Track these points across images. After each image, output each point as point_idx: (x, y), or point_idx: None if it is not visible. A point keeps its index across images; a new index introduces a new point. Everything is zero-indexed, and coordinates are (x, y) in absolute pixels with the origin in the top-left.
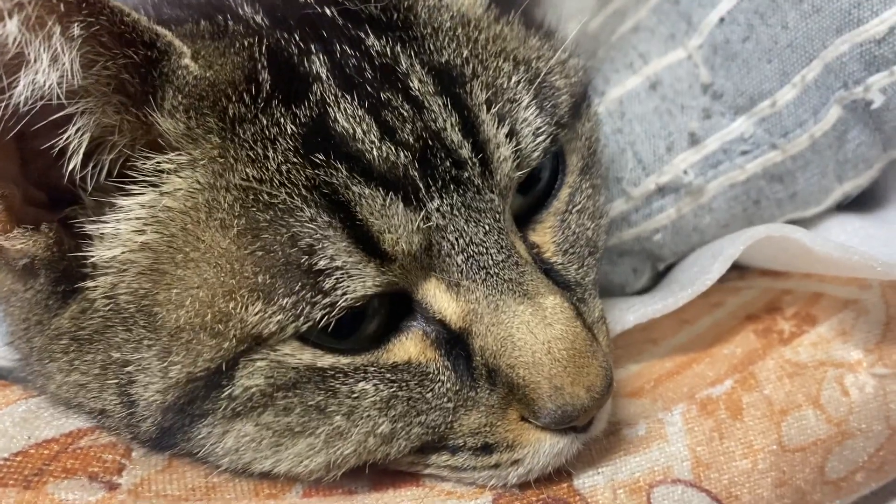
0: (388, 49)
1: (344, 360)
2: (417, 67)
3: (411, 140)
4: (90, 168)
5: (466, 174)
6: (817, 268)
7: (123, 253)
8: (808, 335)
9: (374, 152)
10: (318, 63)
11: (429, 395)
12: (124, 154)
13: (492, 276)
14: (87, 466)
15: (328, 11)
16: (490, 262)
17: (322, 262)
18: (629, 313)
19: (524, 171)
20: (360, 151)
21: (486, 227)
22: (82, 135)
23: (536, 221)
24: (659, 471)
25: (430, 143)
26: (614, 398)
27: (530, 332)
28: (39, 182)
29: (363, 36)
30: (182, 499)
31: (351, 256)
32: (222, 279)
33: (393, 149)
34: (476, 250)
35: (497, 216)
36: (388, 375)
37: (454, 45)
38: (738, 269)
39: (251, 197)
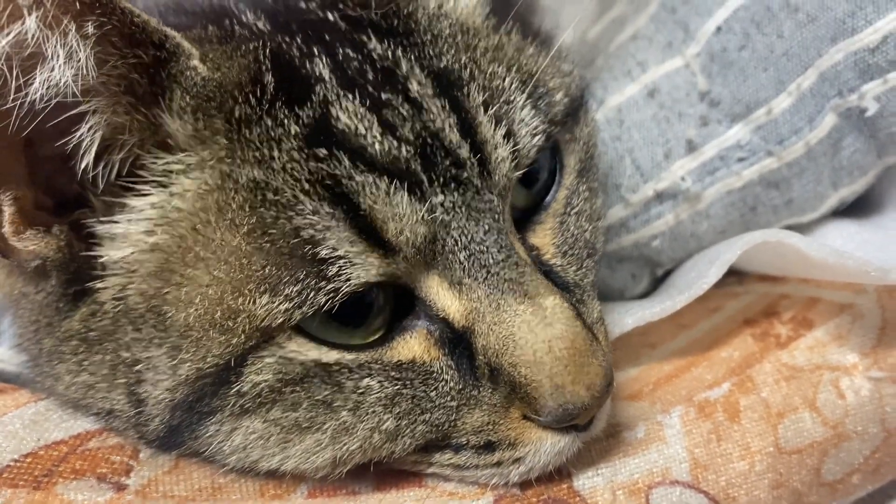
0: (389, 52)
1: (349, 356)
2: (417, 71)
3: (411, 137)
4: (101, 167)
5: (466, 174)
6: (813, 273)
7: (133, 253)
8: (804, 339)
9: (377, 146)
10: (320, 65)
11: (433, 393)
12: (134, 153)
13: (493, 276)
14: (96, 467)
15: (330, 16)
16: (491, 260)
17: (325, 252)
18: (627, 316)
19: (521, 170)
20: (363, 146)
21: (487, 227)
22: (94, 133)
23: (536, 223)
24: (657, 472)
25: (430, 142)
26: (614, 401)
27: (531, 331)
28: (47, 188)
29: (365, 40)
30: (189, 499)
31: (353, 246)
32: (232, 276)
33: (395, 143)
34: (477, 249)
35: (496, 216)
36: (393, 373)
37: (453, 50)
38: (737, 274)
39: (259, 197)
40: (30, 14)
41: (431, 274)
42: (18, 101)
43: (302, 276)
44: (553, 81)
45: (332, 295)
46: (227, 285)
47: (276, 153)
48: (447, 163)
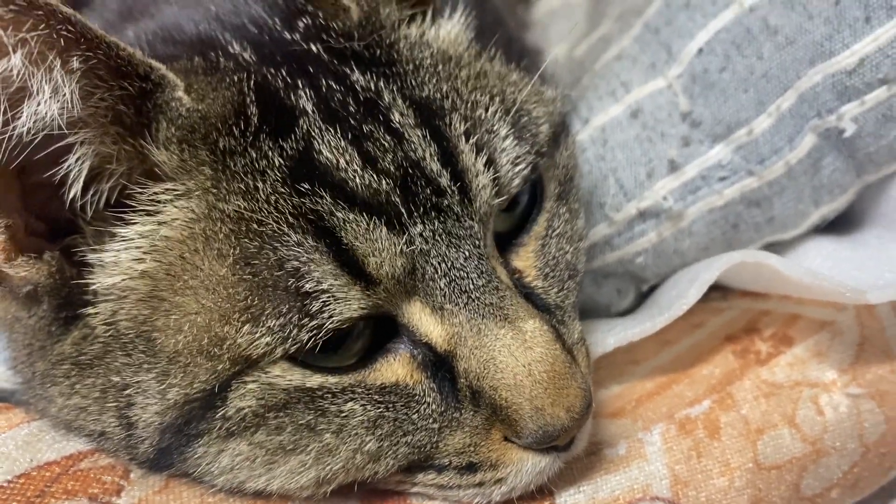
0: (371, 84)
1: (332, 380)
2: (399, 101)
3: (392, 168)
4: (90, 196)
5: (446, 202)
6: (792, 291)
7: (123, 280)
8: (784, 356)
9: (357, 180)
10: (304, 97)
11: (415, 416)
12: (122, 183)
13: (473, 301)
14: (88, 488)
15: (314, 48)
16: (471, 286)
17: (308, 285)
18: (610, 336)
19: (504, 198)
20: (344, 180)
21: (467, 253)
22: (82, 163)
23: (518, 245)
24: (638, 489)
25: (411, 171)
26: (596, 418)
27: (511, 354)
28: (40, 214)
29: (348, 71)
30: None
31: (337, 279)
32: (219, 304)
33: (375, 177)
34: (458, 275)
35: (477, 242)
36: (376, 396)
37: (435, 80)
38: (721, 290)
39: (244, 227)
40: (15, 52)
41: (413, 300)
42: (7, 135)
43: (285, 311)
44: (537, 110)
45: (315, 332)
46: (215, 313)
47: (260, 185)
48: (428, 191)
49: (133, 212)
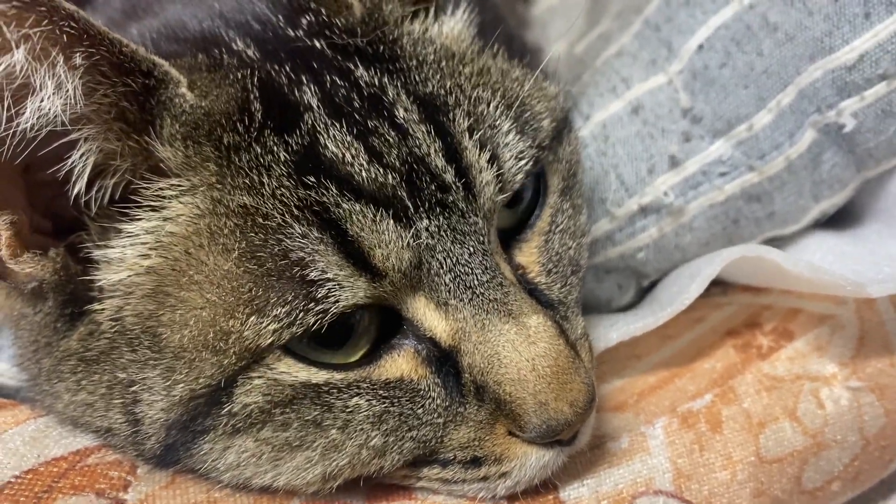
0: (375, 79)
1: (338, 376)
2: (403, 97)
3: (398, 164)
4: (94, 192)
5: (451, 198)
6: (793, 285)
7: (129, 276)
8: (785, 350)
9: (363, 174)
10: (308, 93)
11: (420, 410)
12: (127, 178)
13: (478, 296)
14: (95, 483)
15: (318, 44)
16: (476, 282)
17: (314, 274)
18: (612, 331)
19: (507, 194)
20: (350, 174)
21: (471, 249)
22: (86, 159)
23: (522, 241)
24: (641, 482)
25: (416, 167)
26: (599, 412)
27: (515, 350)
28: (45, 212)
29: (352, 67)
30: None
31: (342, 270)
32: (224, 298)
33: (381, 171)
34: (462, 270)
35: (482, 238)
36: (381, 392)
37: (438, 76)
38: (721, 285)
39: (249, 222)
40: (17, 47)
41: (418, 295)
42: (11, 131)
43: (290, 298)
44: (539, 105)
45: (321, 315)
46: (220, 307)
47: (265, 179)
48: (433, 187)
49: (138, 207)
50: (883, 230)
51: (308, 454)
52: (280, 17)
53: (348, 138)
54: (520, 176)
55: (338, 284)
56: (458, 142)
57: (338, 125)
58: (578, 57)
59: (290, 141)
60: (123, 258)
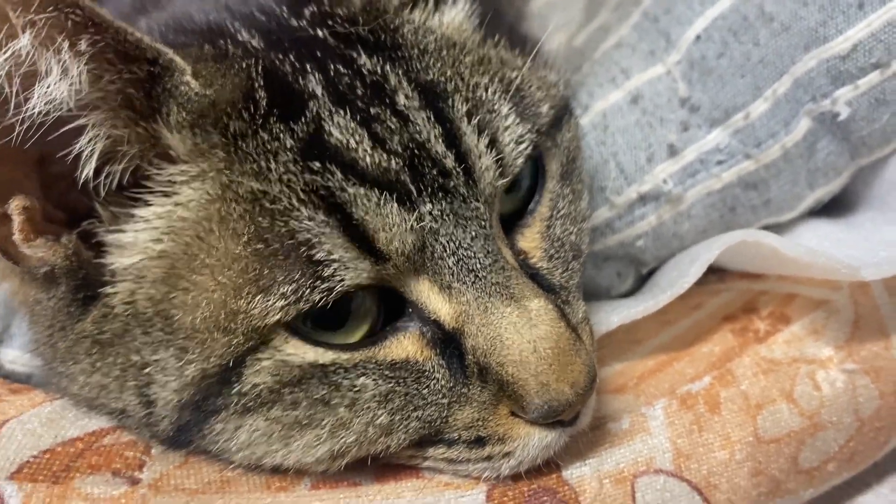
0: (378, 67)
1: (344, 356)
2: (404, 84)
3: (400, 149)
4: (103, 177)
5: (452, 183)
6: (789, 270)
7: (141, 260)
8: (782, 334)
9: (368, 159)
10: (313, 81)
11: (425, 391)
12: (136, 164)
13: (480, 280)
14: (111, 463)
15: (321, 33)
16: (478, 265)
17: (320, 255)
18: (613, 315)
19: (508, 178)
20: (354, 159)
21: (474, 233)
22: (94, 144)
23: (524, 226)
24: (642, 462)
25: (418, 152)
26: (600, 394)
27: (517, 332)
28: (59, 204)
29: (355, 55)
30: (199, 492)
31: (347, 252)
32: (233, 280)
33: (385, 156)
34: (465, 254)
35: (483, 223)
36: (387, 372)
37: (439, 64)
38: (718, 272)
39: (257, 207)
40: (23, 32)
41: (422, 278)
42: (20, 116)
43: (297, 276)
44: (538, 93)
45: (326, 293)
46: (230, 289)
47: (272, 165)
48: (434, 172)
49: (150, 193)
50: (877, 217)
51: (317, 432)
52: (284, 8)
53: (352, 125)
54: (520, 160)
55: (343, 265)
56: (456, 127)
57: (342, 112)
58: (578, 49)
59: (296, 128)
60: (136, 242)
